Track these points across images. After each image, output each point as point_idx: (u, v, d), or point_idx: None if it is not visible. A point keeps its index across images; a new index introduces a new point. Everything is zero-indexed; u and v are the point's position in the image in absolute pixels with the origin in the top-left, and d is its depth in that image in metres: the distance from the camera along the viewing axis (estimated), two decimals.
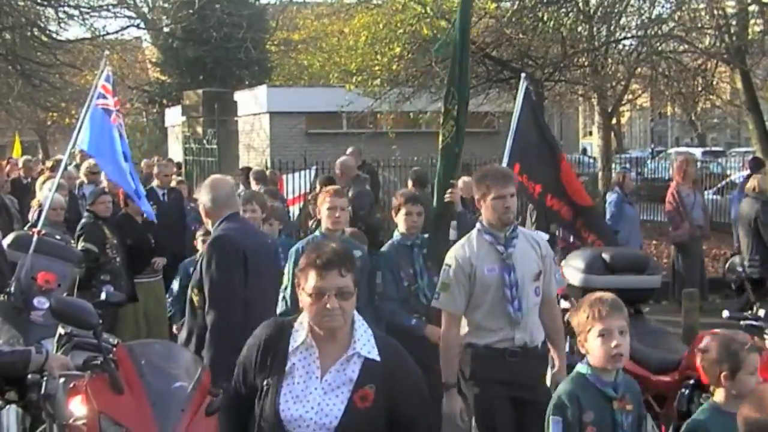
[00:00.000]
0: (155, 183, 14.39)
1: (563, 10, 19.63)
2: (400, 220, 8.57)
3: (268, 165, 22.76)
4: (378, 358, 4.56)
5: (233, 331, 6.98)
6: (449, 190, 8.88)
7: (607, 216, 15.56)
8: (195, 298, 7.42)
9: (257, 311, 7.11)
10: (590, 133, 59.78)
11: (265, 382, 4.59)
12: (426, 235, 8.71)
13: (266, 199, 12.84)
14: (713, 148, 47.27)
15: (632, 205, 16.20)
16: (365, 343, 4.58)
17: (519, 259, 6.79)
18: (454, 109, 8.80)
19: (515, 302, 6.71)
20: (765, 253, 12.96)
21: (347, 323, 4.57)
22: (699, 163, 29.03)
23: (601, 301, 5.15)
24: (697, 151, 39.32)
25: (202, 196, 7.63)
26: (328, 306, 4.43)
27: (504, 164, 9.96)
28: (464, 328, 6.94)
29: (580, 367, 5.22)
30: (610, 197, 15.92)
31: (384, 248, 8.77)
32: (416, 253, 8.56)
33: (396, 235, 8.67)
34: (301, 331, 4.61)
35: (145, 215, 11.94)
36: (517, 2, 19.79)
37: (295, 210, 16.47)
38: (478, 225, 6.96)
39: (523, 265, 6.79)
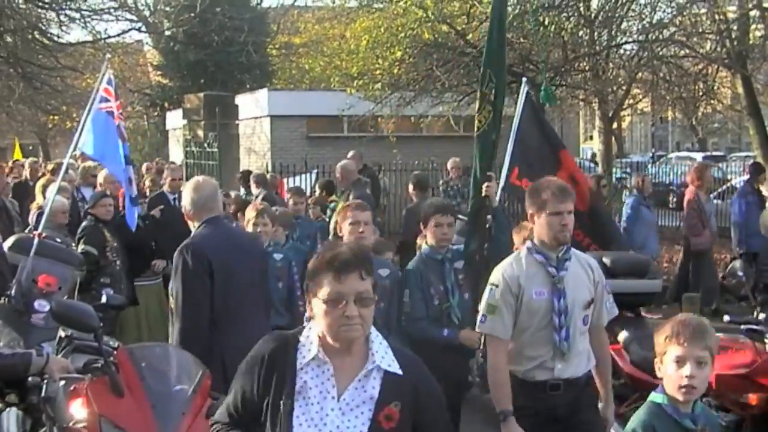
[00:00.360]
0: (165, 188, 14.31)
1: (564, 14, 19.63)
2: (429, 232, 7.95)
3: (269, 168, 22.82)
4: (400, 372, 4.08)
5: (198, 338, 6.96)
6: (486, 183, 8.17)
7: (623, 218, 15.65)
8: (173, 306, 7.44)
9: (228, 319, 7.13)
10: (591, 138, 59.91)
11: (272, 404, 4.06)
12: (456, 248, 8.08)
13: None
14: (714, 153, 47.29)
15: (650, 208, 16.17)
16: (383, 355, 4.09)
17: (571, 284, 6.26)
18: (491, 93, 8.17)
19: (563, 331, 6.19)
20: None
21: (365, 334, 4.07)
22: None
23: (684, 323, 4.62)
24: (698, 156, 39.42)
25: (184, 198, 7.63)
26: (346, 314, 3.93)
27: (504, 168, 9.87)
28: None
29: (655, 396, 4.73)
30: (628, 199, 15.97)
31: (412, 263, 8.10)
32: (447, 268, 7.92)
33: (425, 249, 8.08)
34: (309, 345, 4.09)
35: (140, 216, 11.99)
36: (518, 7, 19.75)
37: None
38: (528, 243, 6.44)
39: (574, 290, 6.27)
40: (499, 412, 6.17)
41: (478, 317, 6.43)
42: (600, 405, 6.59)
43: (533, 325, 6.22)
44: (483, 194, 8.19)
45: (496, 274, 6.36)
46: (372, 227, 7.94)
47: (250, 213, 9.33)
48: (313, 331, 4.12)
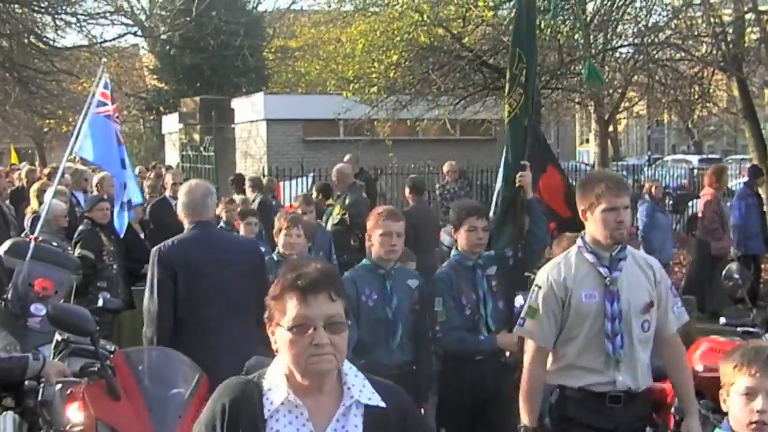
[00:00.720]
0: (168, 193, 14.24)
1: (560, 17, 19.64)
2: (461, 236, 7.34)
3: (265, 172, 22.81)
4: (383, 404, 3.53)
5: (160, 341, 6.90)
6: (519, 174, 7.61)
7: (639, 225, 15.65)
8: None
9: (192, 326, 7.06)
10: (587, 141, 59.98)
11: None
12: (488, 253, 7.51)
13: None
14: (710, 156, 47.26)
15: (664, 213, 16.11)
16: (361, 388, 3.54)
17: (625, 286, 5.64)
18: (522, 74, 7.57)
19: (617, 338, 5.58)
20: None
21: (339, 365, 3.51)
22: (695, 171, 29.16)
23: (756, 351, 4.08)
24: (694, 159, 39.42)
25: (178, 201, 7.63)
26: (315, 341, 3.37)
27: (500, 172, 9.73)
28: (550, 363, 5.85)
29: None
30: (641, 207, 15.95)
31: (442, 270, 7.56)
32: (479, 275, 7.33)
33: (454, 254, 7.52)
34: (275, 388, 3.50)
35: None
36: (514, 10, 19.74)
37: None
38: (578, 241, 5.82)
39: (630, 293, 5.64)
40: (521, 426, 5.76)
41: (519, 320, 5.92)
42: (684, 422, 5.95)
43: (584, 332, 5.65)
44: (516, 185, 7.65)
45: (542, 275, 5.82)
46: (403, 239, 7.29)
47: (281, 221, 8.83)
48: (278, 370, 3.54)
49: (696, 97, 23.44)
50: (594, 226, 5.68)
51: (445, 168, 18.33)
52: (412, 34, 20.59)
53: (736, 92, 21.92)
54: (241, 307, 7.21)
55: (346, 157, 17.16)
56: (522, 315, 5.85)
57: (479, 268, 7.35)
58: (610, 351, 5.58)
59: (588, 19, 20.57)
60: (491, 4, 19.04)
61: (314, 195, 15.15)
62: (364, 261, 7.45)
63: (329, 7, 26.00)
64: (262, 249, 10.90)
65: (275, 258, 8.68)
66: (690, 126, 42.57)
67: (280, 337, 3.47)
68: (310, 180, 19.43)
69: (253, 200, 14.89)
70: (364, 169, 18.68)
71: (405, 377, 6.73)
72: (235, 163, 24.63)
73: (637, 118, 54.00)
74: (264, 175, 20.41)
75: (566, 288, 5.65)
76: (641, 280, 5.73)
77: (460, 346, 7.21)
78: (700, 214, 15.73)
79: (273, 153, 26.57)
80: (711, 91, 23.73)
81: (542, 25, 18.83)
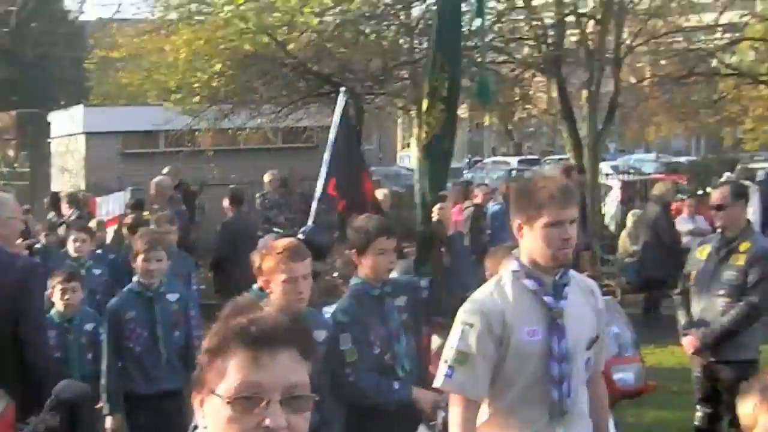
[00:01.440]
0: None
1: (385, 23, 19.69)
2: (367, 261, 6.08)
3: (83, 187, 22.30)
4: None
5: None
6: (438, 206, 6.41)
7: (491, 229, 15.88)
8: None
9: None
10: (408, 146, 60.53)
11: None
12: (393, 279, 6.33)
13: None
14: (528, 157, 48.24)
15: None
16: None
17: (570, 318, 4.60)
18: (444, 86, 6.37)
19: (564, 384, 4.53)
20: None
21: None
22: (513, 172, 29.60)
23: None
24: (513, 160, 40.22)
25: None
26: (266, 423, 2.24)
27: (321, 179, 9.43)
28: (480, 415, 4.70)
29: None
30: (494, 207, 16.13)
31: (342, 302, 6.23)
32: (388, 306, 6.12)
33: (355, 283, 6.23)
34: None
35: None
36: (339, 17, 19.75)
37: (109, 233, 15.98)
38: (513, 263, 4.69)
39: (575, 326, 4.62)
40: None
41: (443, 369, 4.65)
42: None
43: (523, 377, 4.59)
44: (435, 218, 6.45)
45: (470, 311, 4.64)
46: (311, 281, 5.71)
47: (138, 244, 7.47)
48: None
49: (517, 99, 23.81)
50: (533, 244, 4.60)
51: (266, 177, 18.21)
52: (237, 42, 20.37)
53: (555, 94, 22.33)
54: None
55: (165, 170, 16.85)
56: (449, 363, 4.61)
57: (388, 298, 6.16)
58: (555, 399, 4.55)
59: (412, 24, 20.69)
60: (317, 10, 18.93)
61: (130, 212, 14.83)
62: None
63: (153, 15, 25.59)
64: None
65: (135, 289, 7.47)
66: (510, 128, 43.37)
67: (212, 410, 2.32)
68: (128, 194, 18.96)
69: (69, 217, 14.37)
70: (183, 181, 18.36)
71: None
72: (50, 178, 24.04)
73: (458, 122, 54.89)
74: (81, 191, 19.91)
75: (504, 324, 4.55)
76: (586, 309, 4.76)
77: (375, 392, 5.98)
78: None
79: (91, 167, 25.96)
80: (531, 92, 24.14)
81: (367, 31, 18.87)
